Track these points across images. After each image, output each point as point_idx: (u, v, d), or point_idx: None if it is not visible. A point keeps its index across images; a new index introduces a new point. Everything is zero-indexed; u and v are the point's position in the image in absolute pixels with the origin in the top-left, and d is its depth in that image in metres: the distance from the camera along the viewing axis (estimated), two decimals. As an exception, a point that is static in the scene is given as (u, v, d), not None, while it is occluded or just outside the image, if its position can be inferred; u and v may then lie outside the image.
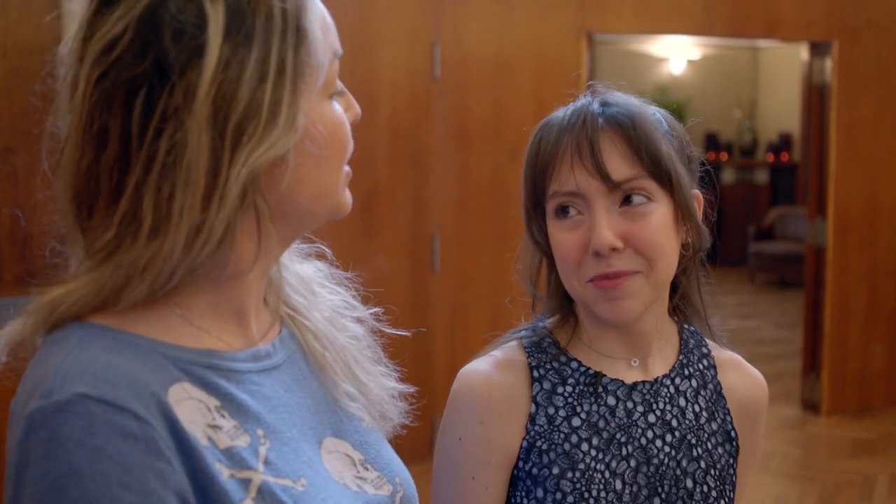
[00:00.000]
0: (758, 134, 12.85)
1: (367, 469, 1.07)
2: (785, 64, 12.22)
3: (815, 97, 6.16)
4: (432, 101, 4.95)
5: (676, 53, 12.34)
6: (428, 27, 4.93)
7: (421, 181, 5.00)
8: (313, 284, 1.15)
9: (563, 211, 1.29)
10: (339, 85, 1.00)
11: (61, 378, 0.83)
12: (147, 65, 0.88)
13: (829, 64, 5.96)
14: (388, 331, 1.21)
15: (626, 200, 1.27)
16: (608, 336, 1.36)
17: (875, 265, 6.12)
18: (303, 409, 1.02)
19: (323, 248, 1.18)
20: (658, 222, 1.27)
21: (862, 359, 6.14)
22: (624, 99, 1.31)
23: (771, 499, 4.77)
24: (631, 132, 1.26)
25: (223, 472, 0.87)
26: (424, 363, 4.83)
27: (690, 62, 12.49)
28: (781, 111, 12.52)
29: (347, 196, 1.02)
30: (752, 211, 11.88)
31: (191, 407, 0.88)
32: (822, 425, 6.01)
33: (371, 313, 1.20)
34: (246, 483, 0.89)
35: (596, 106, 1.30)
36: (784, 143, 12.49)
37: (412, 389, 1.20)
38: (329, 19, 0.99)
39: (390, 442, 1.17)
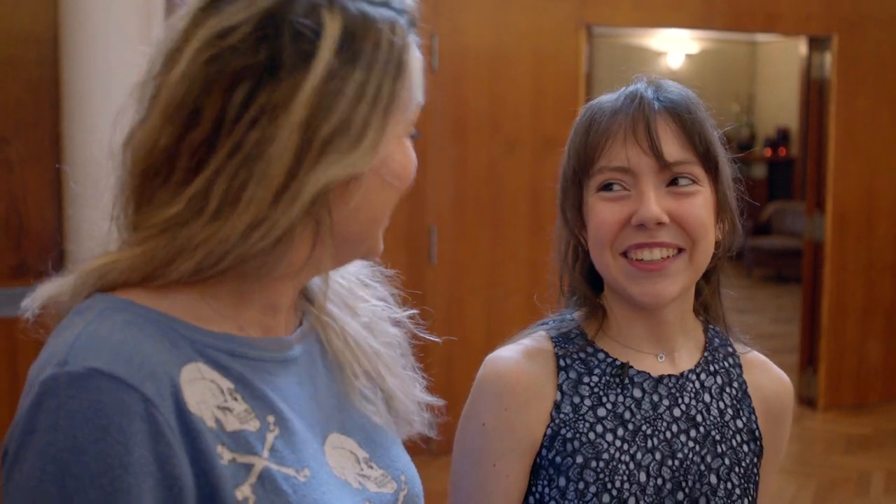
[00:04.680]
0: (755, 128, 12.84)
1: (371, 467, 1.07)
2: (783, 58, 12.21)
3: (815, 92, 6.15)
4: (430, 93, 4.92)
5: (675, 47, 12.32)
6: (426, 19, 4.89)
7: (418, 173, 4.90)
8: (355, 286, 1.17)
9: (607, 186, 1.29)
10: (413, 131, 1.05)
11: (78, 349, 0.86)
12: (260, 58, 0.90)
13: (828, 58, 5.94)
14: (423, 335, 1.22)
15: (673, 182, 1.29)
16: (634, 327, 1.35)
17: (873, 260, 6.12)
18: (311, 403, 1.04)
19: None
20: (703, 203, 1.30)
21: (859, 354, 6.14)
22: (677, 86, 1.34)
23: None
24: (686, 115, 1.29)
25: (224, 456, 0.89)
26: (420, 354, 4.81)
27: (689, 56, 12.47)
28: (779, 106, 12.51)
29: (382, 241, 1.05)
30: (750, 205, 11.85)
31: (202, 388, 0.90)
32: (818, 420, 6.00)
33: (407, 315, 1.21)
34: (248, 468, 0.91)
35: (650, 90, 1.31)
36: (782, 137, 12.48)
37: (441, 402, 1.20)
38: (421, 71, 1.04)
39: (404, 442, 1.18)
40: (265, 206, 0.90)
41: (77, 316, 0.91)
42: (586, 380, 1.33)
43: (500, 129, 5.08)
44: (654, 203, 1.26)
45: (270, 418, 0.95)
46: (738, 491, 1.34)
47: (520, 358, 1.34)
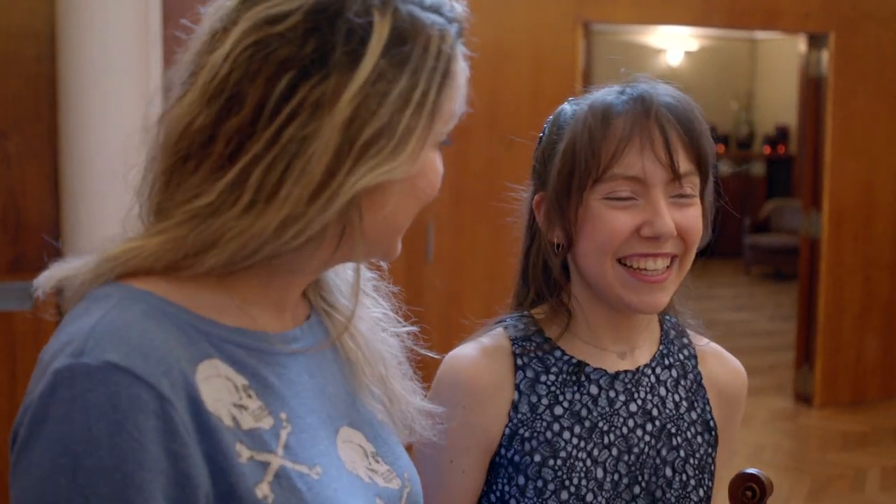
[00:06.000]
0: (755, 126, 12.84)
1: (377, 462, 1.08)
2: (782, 56, 12.21)
3: (812, 89, 6.16)
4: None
5: (674, 45, 12.32)
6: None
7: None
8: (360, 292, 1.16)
9: (616, 194, 1.29)
10: (446, 139, 1.03)
11: (95, 340, 0.84)
12: (308, 50, 0.89)
13: (825, 56, 5.95)
14: (421, 352, 1.21)
15: (675, 193, 1.30)
16: (602, 327, 1.37)
17: (870, 258, 6.13)
18: (323, 397, 1.04)
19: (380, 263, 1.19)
20: (699, 213, 1.32)
21: (855, 352, 6.15)
22: (672, 91, 1.33)
23: (763, 490, 4.78)
24: (695, 127, 1.29)
25: (242, 454, 0.89)
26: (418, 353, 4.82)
27: (688, 53, 12.47)
28: (778, 103, 12.51)
29: (400, 246, 1.04)
30: (749, 203, 11.86)
31: (219, 385, 0.89)
32: (814, 417, 6.02)
33: (407, 331, 1.20)
34: (264, 466, 0.90)
35: (656, 95, 1.30)
36: (781, 135, 12.49)
37: (440, 409, 1.20)
38: (466, 82, 1.01)
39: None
40: (301, 204, 0.89)
41: (93, 303, 0.89)
42: (543, 378, 1.34)
43: (497, 125, 5.08)
44: (669, 217, 1.27)
45: (283, 415, 0.95)
46: (692, 482, 1.37)
47: (478, 356, 1.35)
